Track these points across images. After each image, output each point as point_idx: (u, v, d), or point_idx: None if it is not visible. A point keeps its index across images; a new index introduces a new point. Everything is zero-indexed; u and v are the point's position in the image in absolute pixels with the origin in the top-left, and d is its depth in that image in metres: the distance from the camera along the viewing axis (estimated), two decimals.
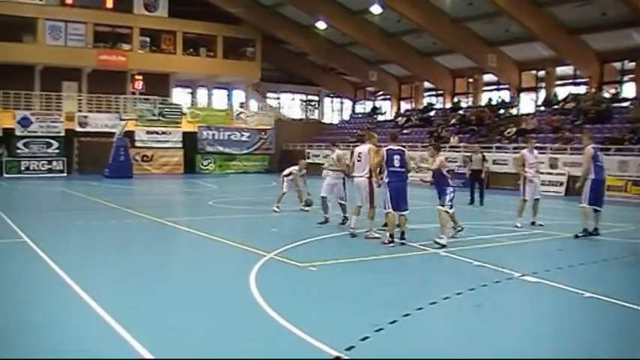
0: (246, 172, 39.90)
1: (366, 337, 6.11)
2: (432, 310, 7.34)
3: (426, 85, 44.44)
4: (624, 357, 5.97)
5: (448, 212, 12.04)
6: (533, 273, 9.34)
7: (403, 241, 11.73)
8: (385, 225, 12.25)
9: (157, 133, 38.42)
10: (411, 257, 10.81)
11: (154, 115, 38.60)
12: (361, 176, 12.51)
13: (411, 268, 10.37)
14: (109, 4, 38.75)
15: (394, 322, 6.67)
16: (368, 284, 8.96)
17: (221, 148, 40.48)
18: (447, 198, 11.95)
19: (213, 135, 40.36)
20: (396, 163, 11.87)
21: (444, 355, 5.87)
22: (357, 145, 13.64)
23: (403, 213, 11.93)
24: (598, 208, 13.25)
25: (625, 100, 32.02)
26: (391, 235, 11.75)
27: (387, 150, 12.00)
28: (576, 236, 13.02)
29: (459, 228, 12.73)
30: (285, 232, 12.85)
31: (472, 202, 20.59)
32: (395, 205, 11.79)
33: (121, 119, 36.38)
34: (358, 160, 12.66)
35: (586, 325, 7.08)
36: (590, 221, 13.14)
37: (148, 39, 40.83)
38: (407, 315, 6.96)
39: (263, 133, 42.34)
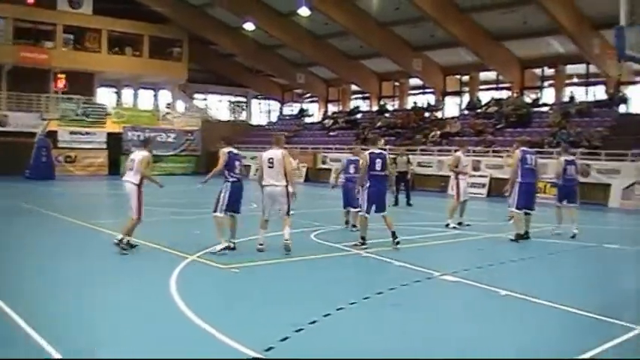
0: (172, 174, 39.19)
1: (286, 338, 6.12)
2: (352, 309, 7.41)
3: (353, 87, 44.91)
4: (541, 355, 6.12)
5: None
6: (453, 272, 9.54)
7: (398, 240, 11.71)
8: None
9: (80, 133, 37.30)
10: (333, 258, 10.88)
11: (78, 115, 37.52)
12: (277, 185, 11.17)
13: (334, 268, 10.44)
14: None
15: (314, 322, 6.71)
16: (289, 285, 8.99)
17: None
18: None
19: (139, 136, 39.40)
20: (378, 167, 11.82)
21: (362, 354, 5.91)
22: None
23: (385, 214, 11.97)
24: (529, 212, 13.41)
25: (545, 105, 33.21)
26: (363, 238, 11.82)
27: (369, 154, 11.90)
28: (511, 240, 13.12)
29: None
30: (210, 234, 12.67)
31: (397, 203, 20.82)
32: (375, 207, 11.86)
33: (43, 119, 35.26)
34: (270, 167, 11.20)
35: (501, 323, 7.26)
36: (522, 224, 13.26)
37: (71, 36, 39.75)
38: (327, 315, 7.00)
39: (190, 134, 41.75)
